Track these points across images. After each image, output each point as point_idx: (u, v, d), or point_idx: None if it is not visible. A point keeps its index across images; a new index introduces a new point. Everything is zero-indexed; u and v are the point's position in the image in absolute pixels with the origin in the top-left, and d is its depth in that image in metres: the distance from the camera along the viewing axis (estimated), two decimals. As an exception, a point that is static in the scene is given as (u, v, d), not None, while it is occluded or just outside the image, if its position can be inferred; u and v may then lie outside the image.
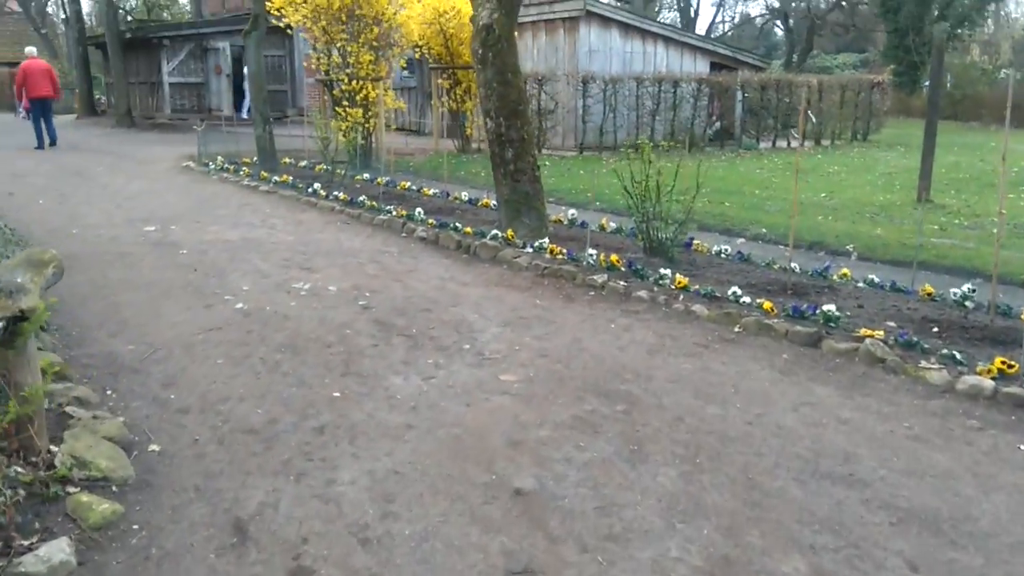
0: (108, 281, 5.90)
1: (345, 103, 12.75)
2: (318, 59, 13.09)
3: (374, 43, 12.55)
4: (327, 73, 13.24)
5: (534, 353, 4.63)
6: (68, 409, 3.43)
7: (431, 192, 9.96)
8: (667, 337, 4.94)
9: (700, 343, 4.84)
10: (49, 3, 36.95)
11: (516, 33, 7.68)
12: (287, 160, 12.87)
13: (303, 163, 12.55)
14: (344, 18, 12.34)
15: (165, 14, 35.21)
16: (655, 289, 5.78)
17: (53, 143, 15.22)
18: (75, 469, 2.90)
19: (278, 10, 12.47)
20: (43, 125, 14.92)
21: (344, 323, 5.09)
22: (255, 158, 12.48)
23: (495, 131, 7.47)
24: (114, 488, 2.96)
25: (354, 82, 12.53)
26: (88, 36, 24.31)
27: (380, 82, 12.80)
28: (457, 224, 7.65)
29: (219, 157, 12.76)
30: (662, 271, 5.95)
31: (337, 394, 3.99)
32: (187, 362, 4.36)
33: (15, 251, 5.26)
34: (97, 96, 26.31)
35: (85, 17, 26.03)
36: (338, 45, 12.55)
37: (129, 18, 28.04)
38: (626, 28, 17.75)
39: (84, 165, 12.88)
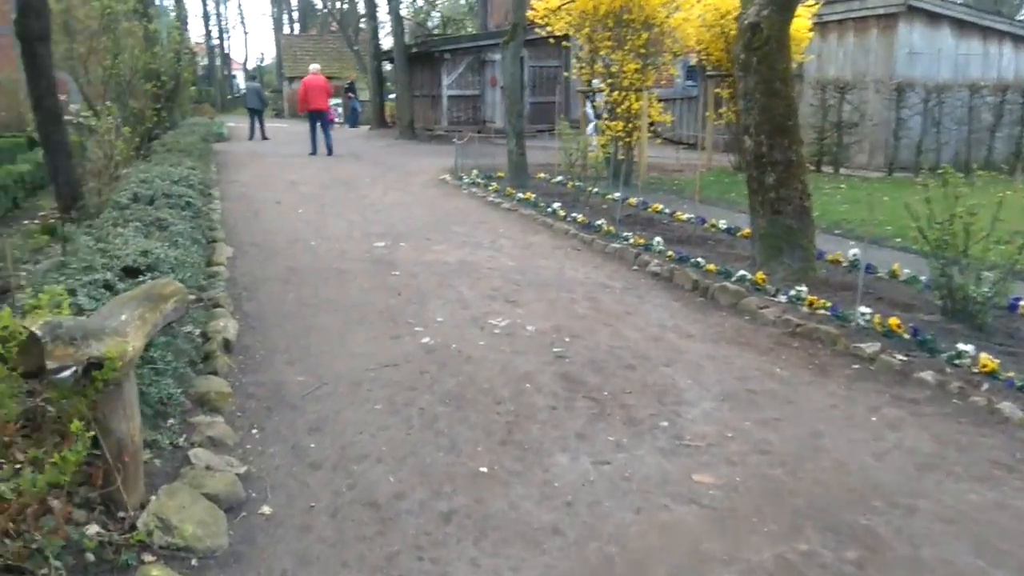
0: (315, 300, 6.05)
1: (605, 116, 12.39)
2: (580, 68, 12.90)
3: (641, 50, 12.03)
4: (588, 84, 13.00)
5: (751, 446, 3.73)
6: (192, 452, 3.33)
7: (685, 216, 9.16)
8: (951, 446, 3.72)
9: (1003, 462, 3.56)
10: (361, 21, 42.02)
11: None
12: (541, 175, 12.84)
13: (557, 179, 12.42)
14: (610, 24, 11.98)
15: (448, 29, 38.16)
16: (947, 371, 4.49)
17: (329, 152, 17.33)
18: (157, 533, 2.71)
19: (542, 18, 12.50)
20: (318, 134, 17.34)
21: (527, 374, 4.59)
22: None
23: (754, 151, 6.52)
24: (194, 561, 2.73)
25: (616, 93, 12.12)
26: (383, 52, 27.00)
27: (645, 92, 12.23)
28: (699, 259, 6.80)
29: (474, 171, 13.11)
30: (961, 346, 4.61)
31: (484, 469, 3.48)
32: (345, 404, 4.16)
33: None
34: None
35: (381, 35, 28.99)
36: (602, 53, 12.23)
37: (414, 36, 30.70)
38: (961, 25, 15.23)
39: (354, 175, 14.03)
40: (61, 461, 2.34)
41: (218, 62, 57.86)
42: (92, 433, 2.60)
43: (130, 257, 3.82)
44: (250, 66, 61.38)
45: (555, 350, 5.01)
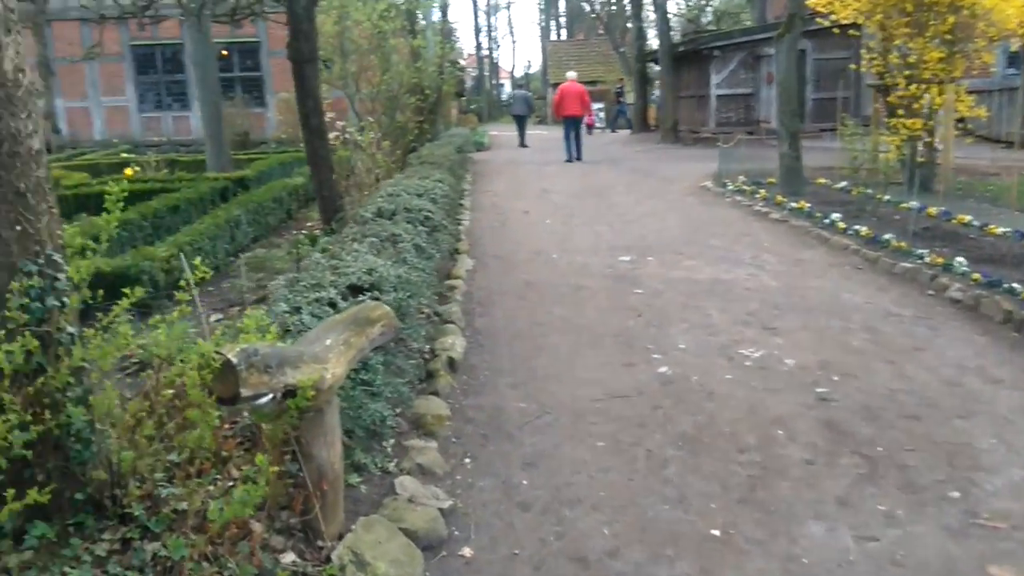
0: (548, 318, 5.96)
1: (900, 112, 11.09)
2: (871, 60, 11.68)
3: (947, 36, 10.60)
4: (881, 76, 11.73)
5: (1080, 539, 2.95)
6: (399, 481, 3.32)
7: (999, 230, 7.85)
8: None
9: None
10: (628, 23, 42.27)
11: None
12: (821, 181, 11.83)
13: (839, 185, 11.35)
14: (909, 8, 10.70)
15: (722, 24, 36.91)
16: None
17: (579, 158, 17.85)
18: (350, 568, 2.69)
19: (825, 6, 11.50)
20: (573, 141, 17.78)
21: (780, 418, 4.08)
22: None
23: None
24: (384, 603, 2.67)
25: (913, 86, 10.79)
26: (648, 53, 26.81)
27: (952, 84, 10.76)
28: (1015, 285, 5.73)
29: (740, 177, 12.42)
30: None
31: (717, 532, 3.10)
32: (565, 437, 3.96)
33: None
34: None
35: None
36: (897, 42, 10.96)
37: (683, 34, 30.10)
38: None
39: (608, 183, 13.97)
40: (261, 482, 2.38)
41: (486, 72, 61.56)
42: (288, 456, 2.65)
43: (356, 275, 3.96)
44: (517, 74, 64.73)
45: (818, 390, 4.43)
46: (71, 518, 2.56)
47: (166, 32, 17.47)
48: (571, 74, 18.80)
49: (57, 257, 2.69)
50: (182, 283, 3.28)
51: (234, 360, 2.30)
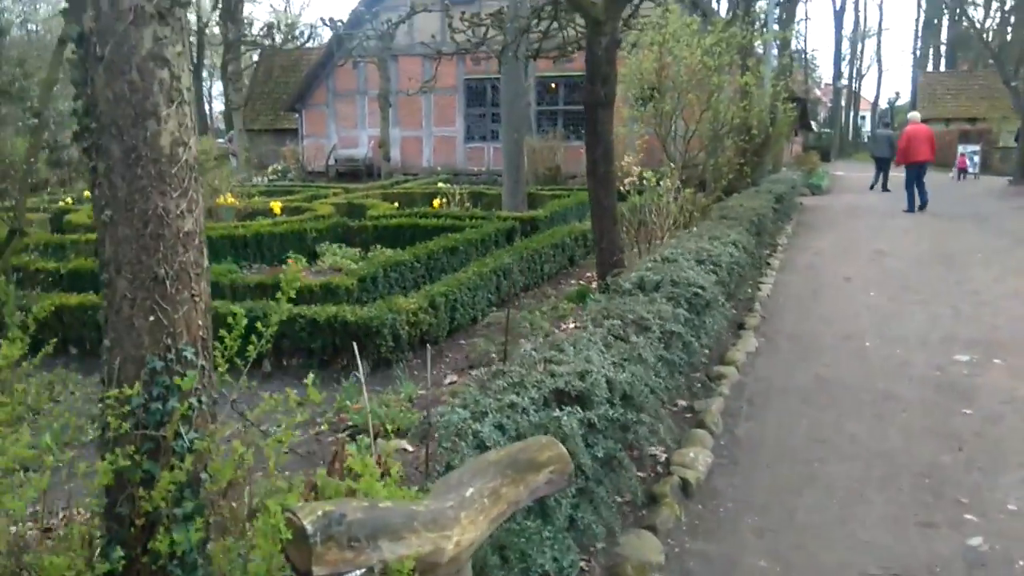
0: (832, 434, 4.94)
1: None
2: None
3: None
4: None
5: None
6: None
7: None
8: None
9: None
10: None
11: None
12: None
13: None
14: None
15: None
16: None
17: (923, 206, 16.34)
18: None
19: None
20: (915, 188, 16.39)
21: None
22: None
23: None
24: None
25: None
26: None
27: None
28: None
29: None
30: None
31: None
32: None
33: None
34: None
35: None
36: None
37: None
38: None
39: (964, 248, 11.94)
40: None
41: (842, 103, 57.75)
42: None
43: (565, 378, 3.44)
44: (881, 105, 59.79)
45: None
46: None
47: (496, 66, 18.53)
48: (914, 115, 18.11)
49: (189, 353, 2.53)
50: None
51: (309, 529, 1.92)
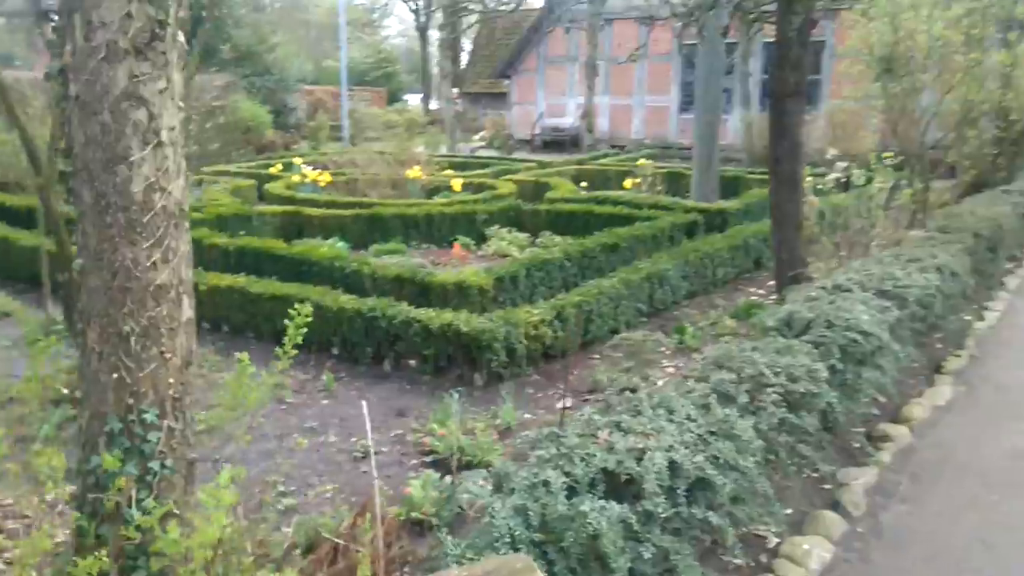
0: (989, 544, 4.09)
1: None
2: None
3: None
4: None
5: None
6: None
7: None
8: None
9: None
10: None
11: None
12: None
13: None
14: None
15: None
16: None
17: None
18: None
19: None
20: None
21: None
22: None
23: None
24: None
25: None
26: None
27: None
28: None
29: None
30: None
31: None
32: None
33: None
34: None
35: None
36: None
37: None
38: None
39: None
40: None
41: None
42: None
43: (619, 455, 3.01)
44: None
45: None
46: None
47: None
48: None
49: (151, 416, 2.43)
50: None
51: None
